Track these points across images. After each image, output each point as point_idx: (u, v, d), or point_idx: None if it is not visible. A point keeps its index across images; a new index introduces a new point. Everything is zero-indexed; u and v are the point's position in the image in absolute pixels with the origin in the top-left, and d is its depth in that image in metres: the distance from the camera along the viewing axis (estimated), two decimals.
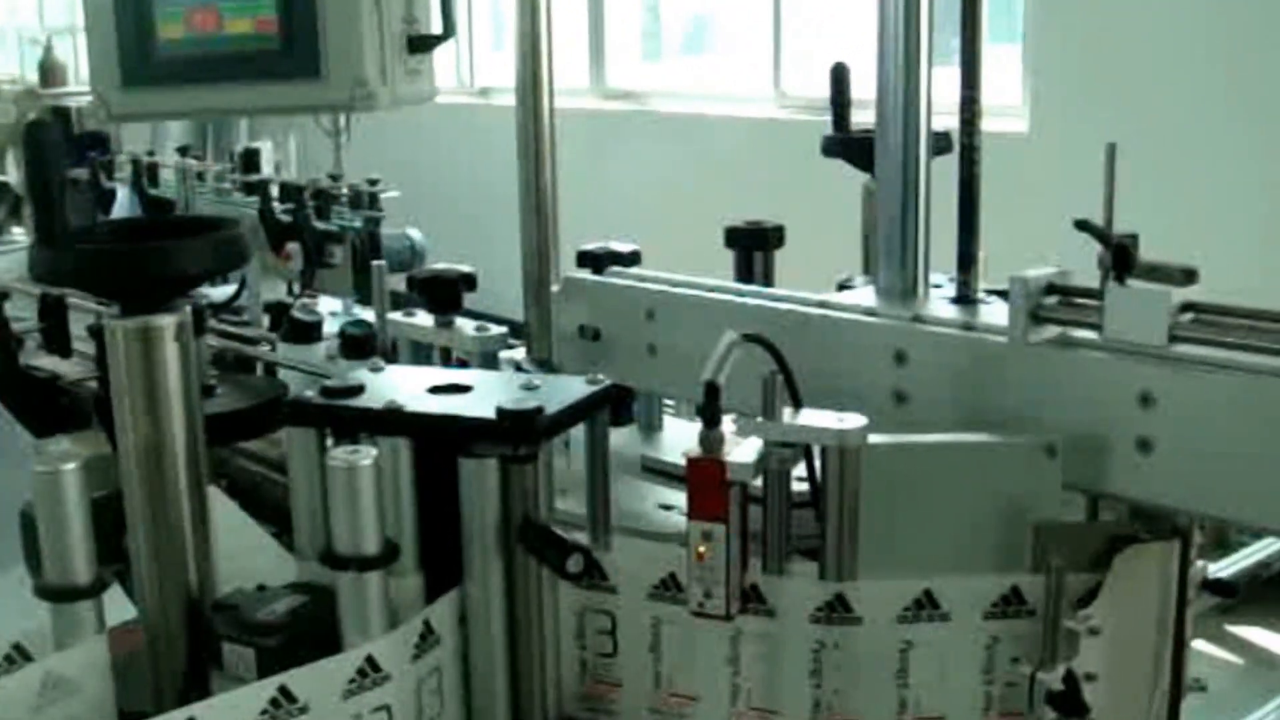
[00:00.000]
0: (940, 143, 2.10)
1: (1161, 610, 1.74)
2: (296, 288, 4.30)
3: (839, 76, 2.52)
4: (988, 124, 5.95)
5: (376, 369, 1.87)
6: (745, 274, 2.59)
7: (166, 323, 1.72)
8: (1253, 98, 5.32)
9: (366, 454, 1.61)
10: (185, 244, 1.74)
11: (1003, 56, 6.87)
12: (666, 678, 1.84)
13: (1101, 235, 1.71)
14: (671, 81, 8.97)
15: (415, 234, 4.45)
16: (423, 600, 1.73)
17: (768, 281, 2.55)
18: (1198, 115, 5.47)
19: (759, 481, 1.70)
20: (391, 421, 1.68)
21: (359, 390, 1.74)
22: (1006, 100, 6.54)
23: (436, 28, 2.32)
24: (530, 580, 1.75)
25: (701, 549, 1.65)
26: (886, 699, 1.73)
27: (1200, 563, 1.94)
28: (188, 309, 1.75)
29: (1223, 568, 2.90)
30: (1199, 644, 5.10)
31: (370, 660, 1.63)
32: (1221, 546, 3.61)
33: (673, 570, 1.77)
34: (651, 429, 2.57)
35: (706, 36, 9.74)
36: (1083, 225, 1.73)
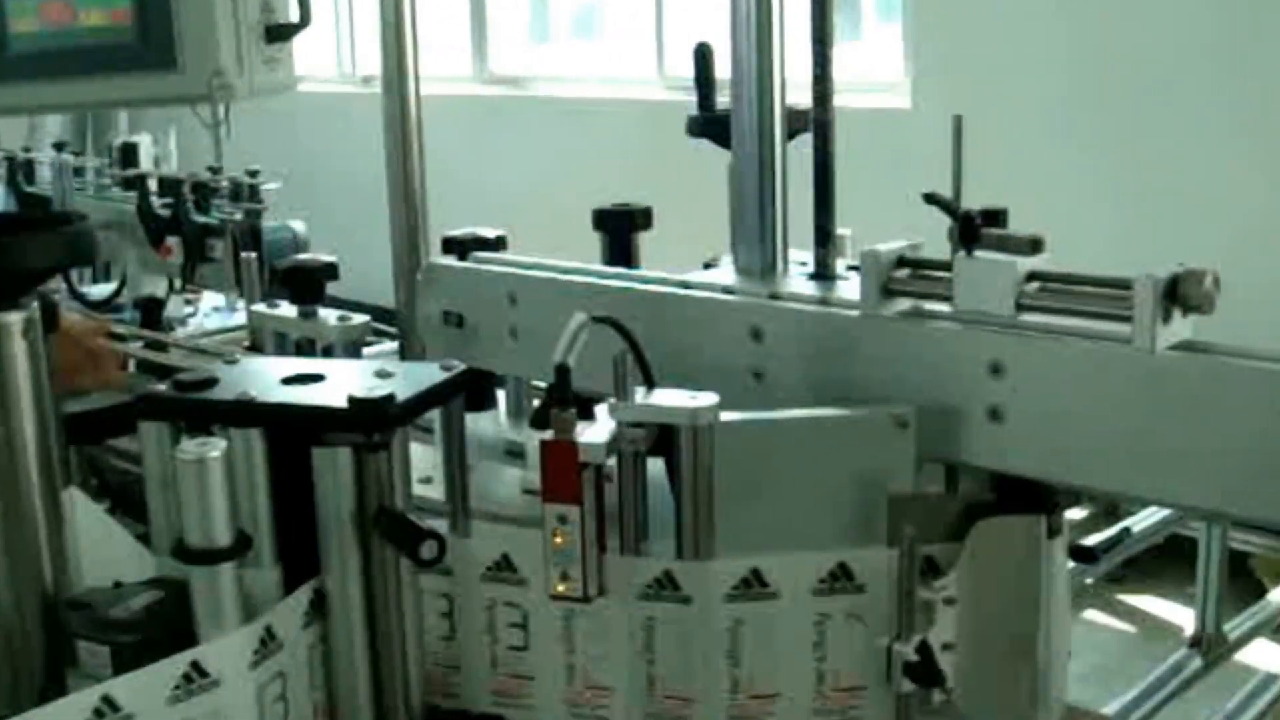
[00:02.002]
0: (796, 122, 2.10)
1: (1024, 579, 1.76)
2: (178, 283, 4.26)
3: (702, 56, 2.52)
4: (871, 101, 6.03)
5: (231, 361, 1.85)
6: (615, 257, 2.59)
7: (13, 319, 1.69)
8: (1122, 72, 5.39)
9: (215, 446, 1.59)
10: (25, 239, 1.71)
11: (888, 34, 6.92)
12: (503, 660, 1.85)
13: (948, 207, 1.73)
14: (557, 66, 8.94)
15: (298, 226, 4.40)
16: (281, 592, 1.72)
17: (634, 263, 2.55)
18: (1073, 91, 5.54)
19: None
20: (243, 413, 1.66)
21: (212, 383, 1.72)
22: (889, 77, 6.59)
23: (295, 16, 2.29)
24: (388, 568, 1.74)
25: (557, 531, 1.65)
26: (718, 677, 1.75)
27: (1067, 530, 1.96)
28: (35, 305, 1.73)
29: (1112, 537, 2.95)
30: (1091, 613, 5.23)
31: (196, 665, 1.60)
32: (1111, 515, 3.68)
33: (505, 551, 1.78)
34: (520, 414, 2.56)
35: (596, 20, 9.73)
36: (930, 198, 1.74)
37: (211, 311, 4.52)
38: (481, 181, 7.51)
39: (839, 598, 1.73)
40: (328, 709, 1.78)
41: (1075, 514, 2.71)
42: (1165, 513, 3.95)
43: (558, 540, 1.65)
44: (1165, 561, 4.02)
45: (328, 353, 2.30)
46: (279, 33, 2.23)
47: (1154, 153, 5.31)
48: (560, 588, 1.68)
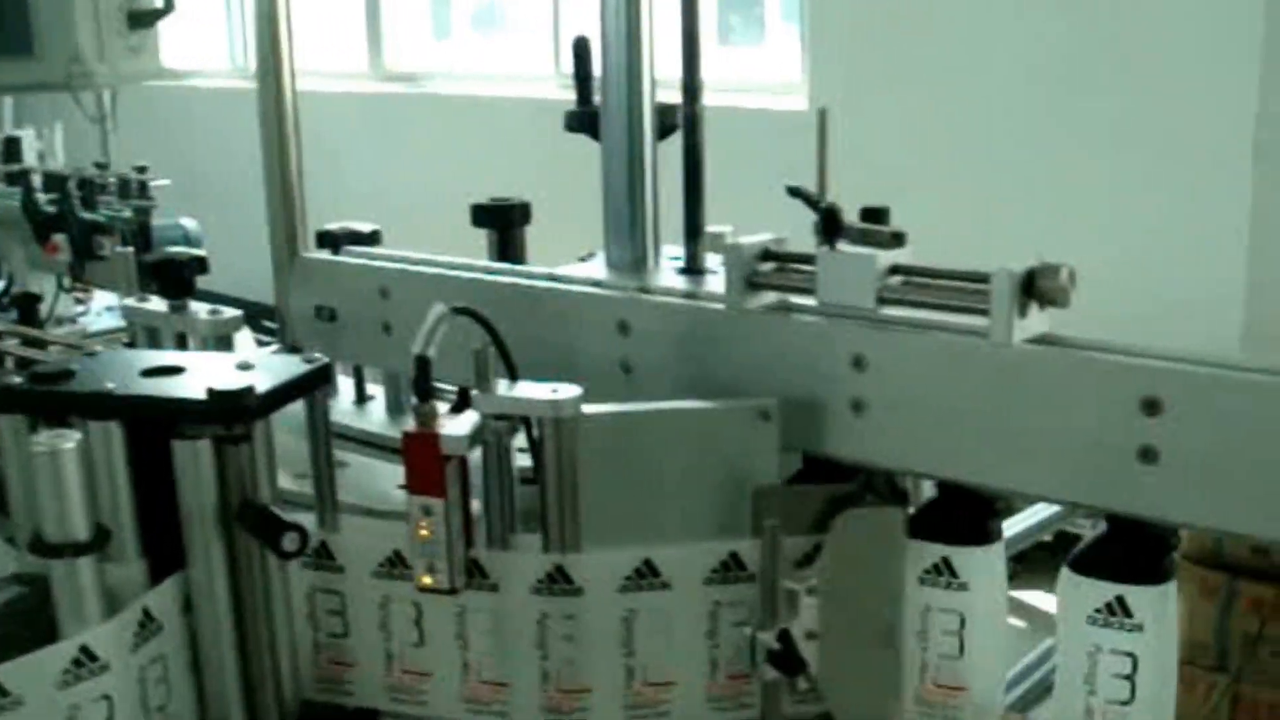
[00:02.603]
0: (668, 118, 2.11)
1: (885, 569, 1.77)
2: (66, 281, 4.20)
3: (580, 51, 2.52)
4: (770, 102, 6.04)
5: (91, 354, 1.83)
6: (499, 252, 2.59)
7: None
8: (1012, 74, 5.45)
9: (69, 437, 1.57)
10: None
11: (787, 36, 6.95)
12: (398, 656, 1.83)
13: (811, 201, 1.74)
14: (454, 63, 8.91)
15: (189, 223, 4.35)
16: (146, 586, 1.70)
17: (518, 258, 2.55)
18: (971, 93, 5.59)
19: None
20: (99, 405, 1.65)
21: (69, 375, 1.70)
22: (789, 79, 6.62)
23: (159, 2, 2.27)
24: (254, 562, 1.73)
25: (422, 524, 1.65)
26: (613, 668, 1.75)
27: None
28: None
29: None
30: None
31: (85, 650, 1.59)
32: (1003, 513, 3.70)
33: (397, 548, 1.77)
34: (399, 409, 2.55)
35: (497, 16, 9.70)
36: (794, 192, 1.75)
37: (104, 311, 4.46)
38: (376, 179, 7.50)
39: (730, 586, 1.74)
40: (198, 701, 1.77)
41: None
42: (1053, 509, 4.00)
43: (422, 532, 1.65)
44: (1057, 558, 4.06)
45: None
46: (142, 19, 2.21)
47: (1041, 152, 5.38)
48: (426, 580, 1.68)
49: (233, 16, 9.76)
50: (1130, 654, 1.58)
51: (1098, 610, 1.59)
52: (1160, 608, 1.59)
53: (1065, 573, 1.63)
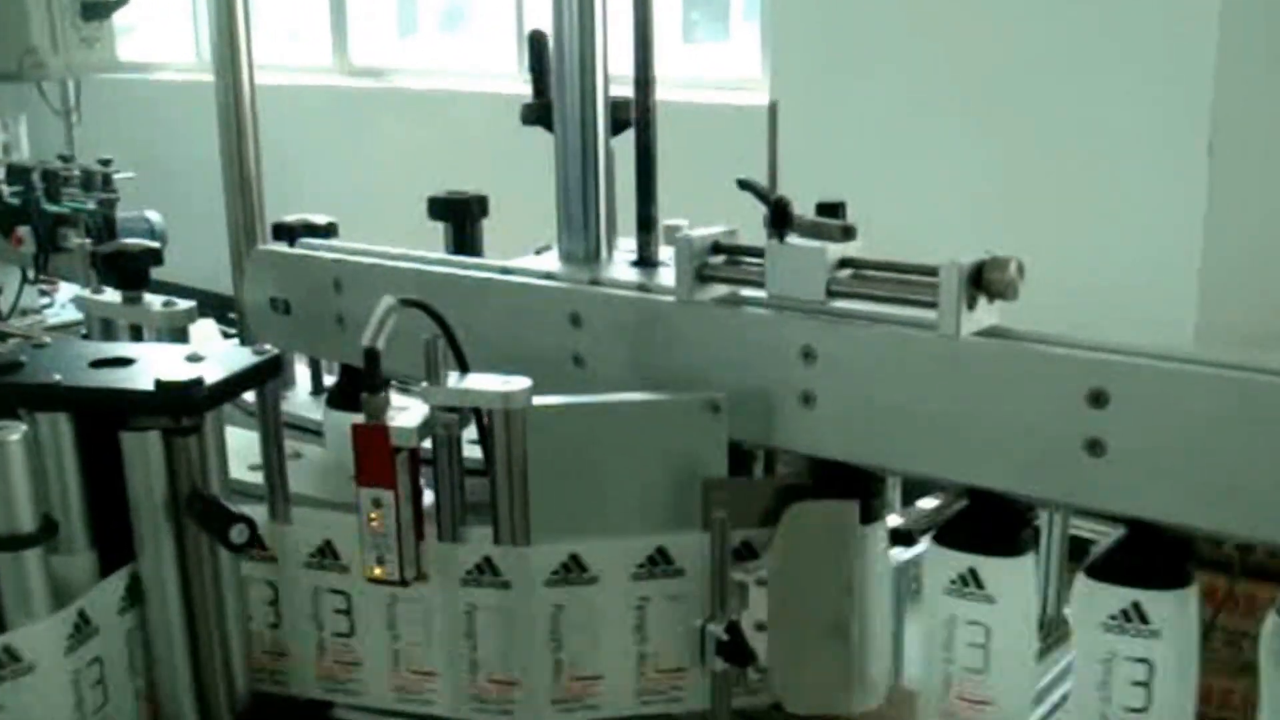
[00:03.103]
0: (622, 113, 2.11)
1: (836, 562, 1.78)
2: (30, 273, 4.20)
3: (536, 44, 2.52)
4: (731, 97, 6.03)
5: (40, 345, 1.82)
6: (456, 246, 2.59)
7: None
8: (975, 69, 5.46)
9: (15, 429, 1.57)
10: None
11: (750, 33, 6.95)
12: (329, 646, 1.85)
13: (761, 193, 1.74)
14: (419, 59, 8.90)
15: (154, 216, 4.32)
16: (96, 577, 1.70)
17: (474, 252, 2.55)
18: (927, 90, 5.60)
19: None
20: (46, 397, 1.64)
21: (16, 366, 1.70)
22: (751, 75, 6.62)
23: None
24: (204, 554, 1.73)
25: (372, 515, 1.64)
26: (542, 661, 1.76)
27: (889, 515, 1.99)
28: None
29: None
30: None
31: (8, 650, 1.59)
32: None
33: (328, 537, 1.77)
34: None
35: (462, 13, 9.68)
36: (744, 184, 1.75)
37: (67, 303, 4.44)
38: (341, 173, 7.47)
39: (658, 581, 1.74)
40: (149, 695, 1.77)
41: (926, 503, 2.72)
42: None
43: (373, 524, 1.65)
44: None
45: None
46: (96, 10, 2.20)
47: (995, 147, 5.39)
48: (376, 572, 1.68)
49: (198, 10, 9.69)
50: (1146, 660, 1.57)
51: (1113, 617, 1.57)
52: (1178, 613, 1.58)
53: (1080, 578, 1.60)
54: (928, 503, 2.65)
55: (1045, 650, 3.12)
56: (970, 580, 1.64)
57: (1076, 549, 3.54)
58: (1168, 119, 4.88)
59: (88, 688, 1.67)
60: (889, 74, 5.67)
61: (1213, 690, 3.60)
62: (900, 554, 3.44)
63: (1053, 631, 3.14)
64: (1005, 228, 5.08)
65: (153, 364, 1.72)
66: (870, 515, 1.77)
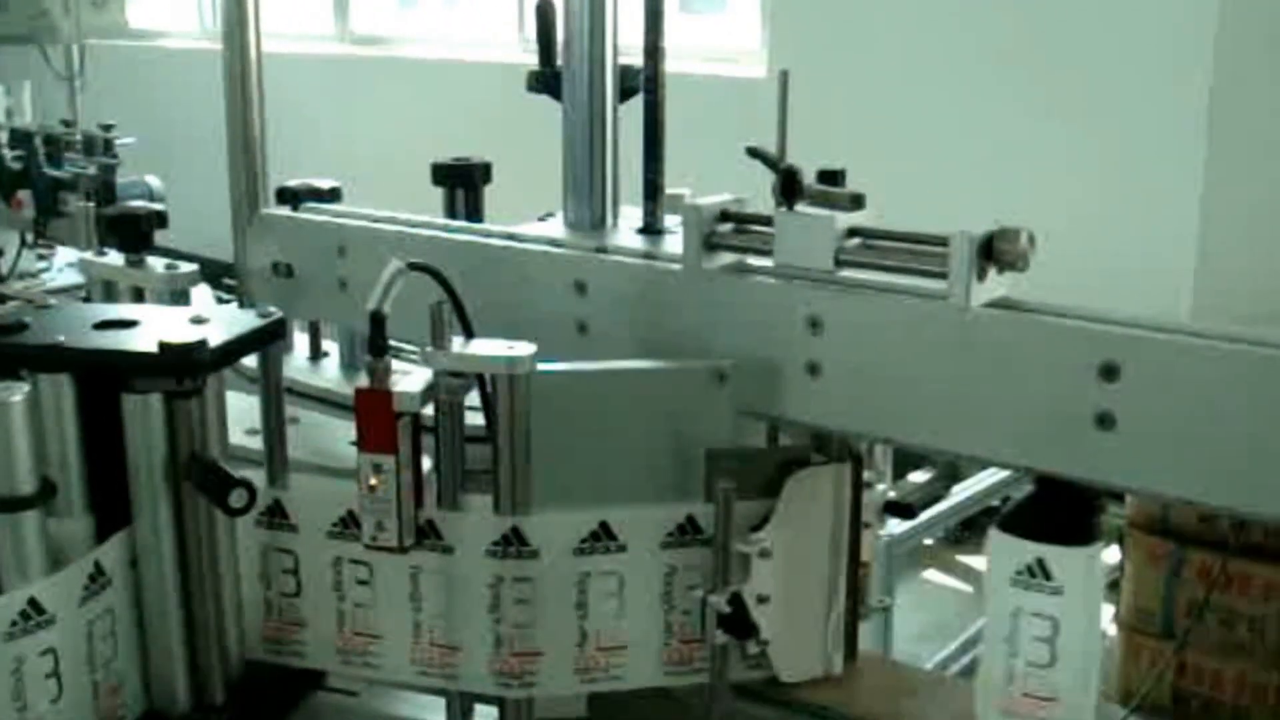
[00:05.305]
0: (628, 80, 2.10)
1: (835, 532, 1.78)
2: (30, 237, 4.20)
3: (543, 13, 2.51)
4: (729, 70, 6.02)
5: (45, 306, 1.81)
6: (461, 212, 2.58)
7: None
8: (969, 42, 5.45)
9: (17, 390, 1.55)
10: None
11: (750, 5, 6.93)
12: (350, 616, 1.81)
13: (770, 162, 1.73)
14: (422, 27, 8.87)
15: (154, 181, 4.32)
16: (93, 541, 1.69)
17: (476, 217, 2.54)
18: (927, 61, 5.59)
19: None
20: (51, 358, 1.63)
21: (20, 328, 1.68)
22: (748, 46, 6.61)
23: None
24: (201, 518, 1.71)
25: (373, 481, 1.63)
26: (568, 631, 1.74)
27: (880, 487, 1.98)
28: None
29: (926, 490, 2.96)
30: (930, 573, 5.32)
31: (33, 602, 1.58)
32: (951, 478, 3.73)
33: (351, 508, 1.75)
34: (354, 365, 2.54)
35: None
36: (753, 152, 1.74)
37: (65, 266, 4.44)
38: (342, 141, 7.45)
39: (685, 550, 1.73)
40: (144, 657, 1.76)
41: (917, 477, 2.73)
42: (1001, 475, 4.03)
43: (373, 489, 1.64)
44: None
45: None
46: None
47: (998, 118, 5.38)
48: (376, 537, 1.67)
49: None
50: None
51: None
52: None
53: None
54: (918, 476, 2.68)
55: None
56: (1038, 571, 1.59)
57: None
58: (1167, 92, 4.89)
59: (100, 639, 1.67)
60: (887, 48, 5.66)
61: (1204, 671, 3.62)
62: (895, 526, 3.45)
63: None
64: (1001, 199, 5.07)
65: (157, 326, 1.71)
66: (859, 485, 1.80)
